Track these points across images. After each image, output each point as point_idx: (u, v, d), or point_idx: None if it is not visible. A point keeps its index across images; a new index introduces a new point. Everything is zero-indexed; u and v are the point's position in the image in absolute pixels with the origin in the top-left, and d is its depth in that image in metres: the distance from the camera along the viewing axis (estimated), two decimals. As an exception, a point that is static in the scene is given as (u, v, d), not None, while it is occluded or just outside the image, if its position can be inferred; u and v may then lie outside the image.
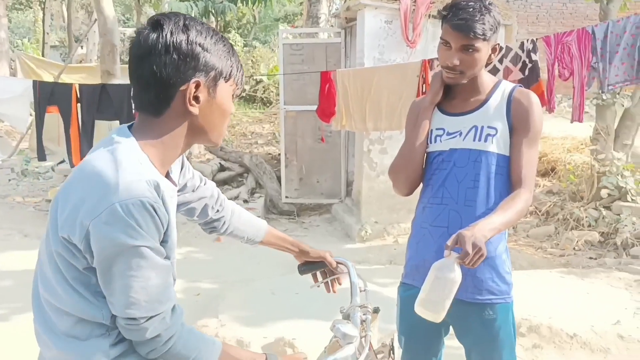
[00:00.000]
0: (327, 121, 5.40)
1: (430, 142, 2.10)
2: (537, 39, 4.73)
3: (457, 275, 1.69)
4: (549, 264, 5.63)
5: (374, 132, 5.91)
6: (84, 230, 1.15)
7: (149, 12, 23.32)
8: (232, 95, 1.33)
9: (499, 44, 2.04)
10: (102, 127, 8.36)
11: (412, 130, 2.13)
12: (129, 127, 1.30)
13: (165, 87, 1.23)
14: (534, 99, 2.03)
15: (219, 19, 9.43)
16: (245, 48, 17.78)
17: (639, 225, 5.92)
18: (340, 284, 1.93)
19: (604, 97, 6.42)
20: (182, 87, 1.23)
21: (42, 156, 5.84)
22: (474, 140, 2.02)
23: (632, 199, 6.26)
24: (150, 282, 1.18)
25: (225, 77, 1.29)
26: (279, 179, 7.48)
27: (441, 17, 2.01)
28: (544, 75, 4.81)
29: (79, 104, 5.56)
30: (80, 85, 5.69)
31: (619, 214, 6.11)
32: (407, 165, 2.12)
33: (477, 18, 1.91)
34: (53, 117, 5.77)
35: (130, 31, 20.62)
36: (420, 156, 2.10)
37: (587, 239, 6.00)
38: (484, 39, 1.93)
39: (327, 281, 1.91)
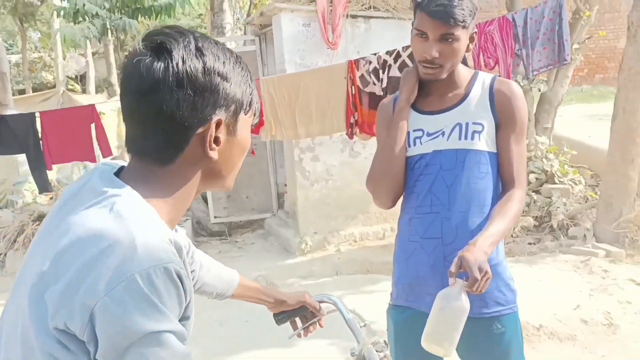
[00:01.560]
0: (255, 132, 5.11)
1: (409, 146, 1.88)
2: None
3: (465, 303, 1.53)
4: (492, 254, 5.62)
5: (304, 140, 5.69)
6: (87, 313, 0.84)
7: (34, 36, 21.95)
8: (251, 126, 1.09)
9: (475, 32, 1.86)
10: (9, 162, 7.67)
11: (388, 134, 1.90)
12: (117, 173, 0.99)
13: (178, 130, 0.95)
14: (517, 89, 1.87)
15: (119, 36, 8.91)
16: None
17: (570, 205, 6.05)
18: (322, 326, 1.70)
19: (521, 84, 6.54)
20: (200, 130, 0.97)
21: None
22: (460, 139, 1.82)
23: (559, 181, 6.40)
24: None
25: (245, 109, 1.04)
26: (204, 198, 7.08)
27: (415, 5, 1.79)
28: (470, 65, 4.78)
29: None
30: (-28, 119, 5.08)
31: (549, 197, 6.22)
32: (389, 173, 1.89)
33: (455, 3, 1.71)
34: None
35: (16, 58, 19.29)
36: (402, 162, 1.88)
37: (523, 225, 6.05)
38: (464, 27, 1.74)
39: (308, 326, 1.67)
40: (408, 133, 1.88)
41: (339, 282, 5.07)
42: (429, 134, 1.86)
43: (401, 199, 1.96)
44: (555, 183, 6.38)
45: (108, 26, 8.05)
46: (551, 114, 7.02)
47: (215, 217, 6.98)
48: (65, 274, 0.86)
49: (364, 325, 1.59)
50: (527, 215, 6.18)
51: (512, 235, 5.92)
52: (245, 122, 1.05)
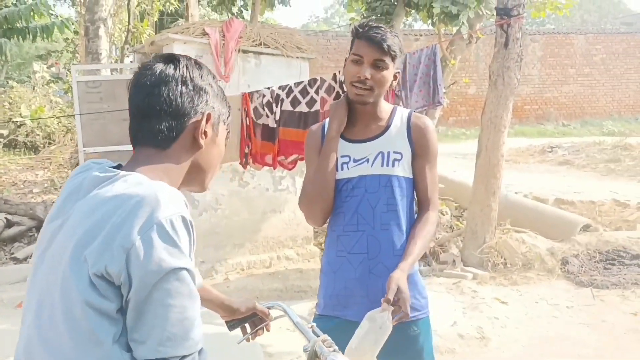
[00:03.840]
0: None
1: (337, 170, 2.10)
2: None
3: (389, 326, 1.75)
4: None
5: (193, 169, 5.72)
6: (124, 255, 1.02)
7: None
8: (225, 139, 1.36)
9: (398, 71, 2.14)
10: None
11: (320, 160, 2.11)
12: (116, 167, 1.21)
13: (178, 116, 1.22)
14: (429, 123, 2.17)
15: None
16: (-1, 89, 15.96)
17: (439, 234, 6.62)
18: (268, 330, 1.88)
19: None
20: (195, 119, 1.24)
21: None
22: (382, 165, 2.07)
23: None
24: (186, 313, 1.06)
25: (224, 120, 1.33)
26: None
27: (354, 34, 2.05)
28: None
29: None
30: None
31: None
32: (323, 194, 2.09)
33: (389, 36, 2.00)
34: None
35: None
36: (332, 184, 2.09)
37: (399, 252, 6.50)
38: (393, 58, 2.02)
39: (256, 331, 1.85)
40: (337, 159, 2.11)
41: (230, 309, 5.12)
42: (355, 160, 2.10)
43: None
44: (426, 213, 6.93)
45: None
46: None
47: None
48: (103, 231, 1.04)
49: (311, 326, 1.72)
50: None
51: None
52: (223, 131, 1.32)
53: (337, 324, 2.08)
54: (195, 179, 1.29)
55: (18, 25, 7.87)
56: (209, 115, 1.25)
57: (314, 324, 1.77)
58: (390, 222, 2.05)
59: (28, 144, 14.19)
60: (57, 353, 1.05)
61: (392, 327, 1.76)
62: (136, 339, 1.04)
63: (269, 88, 5.16)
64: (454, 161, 11.17)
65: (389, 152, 2.08)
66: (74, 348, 1.04)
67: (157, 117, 1.21)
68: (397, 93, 5.42)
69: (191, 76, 1.24)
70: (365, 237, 2.05)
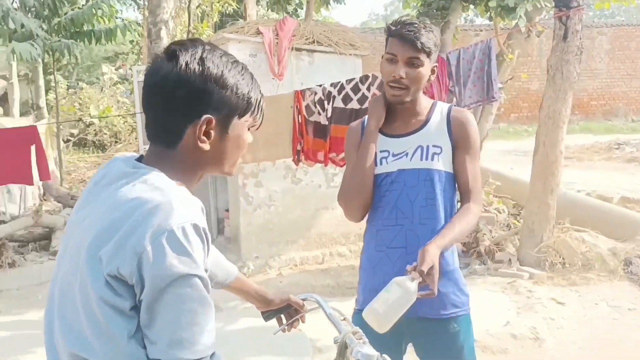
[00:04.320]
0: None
1: (377, 165, 2.10)
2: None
3: (413, 294, 1.73)
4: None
5: (248, 166, 5.84)
6: (136, 258, 1.04)
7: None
8: (249, 128, 1.28)
9: (436, 65, 2.12)
10: None
11: (359, 155, 2.12)
12: (138, 159, 1.21)
13: (175, 120, 1.18)
14: (470, 117, 2.14)
15: (58, 58, 8.77)
16: (70, 90, 16.72)
17: (495, 232, 6.48)
18: (304, 321, 1.90)
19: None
20: (193, 124, 1.18)
21: None
22: (422, 159, 2.06)
23: (485, 210, 6.84)
24: (197, 319, 1.08)
25: (239, 114, 1.23)
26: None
27: (387, 32, 2.04)
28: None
29: None
30: None
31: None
32: (361, 189, 2.10)
33: (422, 33, 1.98)
34: None
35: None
36: (371, 179, 2.10)
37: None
38: (428, 54, 2.00)
39: (292, 322, 1.88)
40: (375, 153, 2.11)
41: (282, 304, 5.19)
42: (394, 155, 2.09)
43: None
44: (482, 212, 6.81)
45: (47, 48, 7.92)
46: (477, 147, 7.51)
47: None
48: (118, 233, 1.06)
49: (344, 319, 1.74)
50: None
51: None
52: (239, 124, 1.24)
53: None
54: (212, 169, 1.27)
55: (84, 28, 8.22)
56: (208, 120, 1.17)
57: (347, 317, 1.79)
58: (429, 216, 2.04)
59: (96, 142, 14.82)
60: (80, 341, 1.09)
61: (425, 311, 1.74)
62: (149, 339, 1.07)
63: (320, 85, 5.20)
64: (514, 158, 10.91)
65: (428, 146, 2.07)
66: (94, 338, 1.08)
67: (157, 118, 1.19)
68: (451, 89, 5.35)
69: (189, 77, 1.15)
70: (404, 232, 2.05)
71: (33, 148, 5.46)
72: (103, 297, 1.06)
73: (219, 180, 6.94)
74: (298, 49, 5.95)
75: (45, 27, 8.06)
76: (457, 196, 2.12)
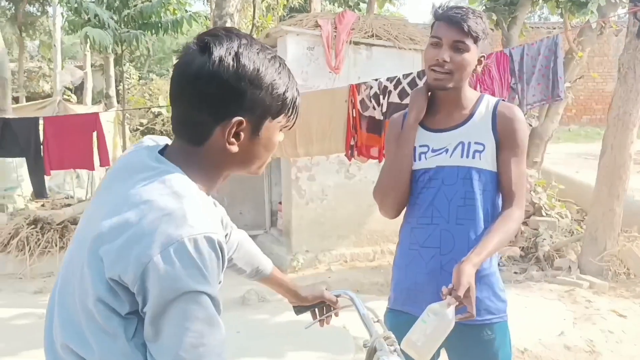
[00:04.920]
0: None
1: (415, 160, 2.00)
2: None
3: (451, 321, 1.65)
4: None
5: (301, 160, 5.82)
6: (141, 268, 0.97)
7: (30, 45, 22.05)
8: (281, 129, 1.20)
9: (484, 56, 2.00)
10: (2, 167, 7.71)
11: (397, 149, 2.03)
12: (161, 151, 1.14)
13: (204, 119, 1.09)
14: (519, 113, 2.00)
15: (127, 48, 9.06)
16: (141, 81, 17.29)
17: (556, 238, 6.21)
18: (337, 316, 1.85)
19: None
20: (222, 124, 1.09)
21: None
22: (462, 157, 1.94)
23: (546, 214, 6.57)
24: (202, 340, 0.99)
25: (273, 115, 1.14)
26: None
27: (434, 15, 1.94)
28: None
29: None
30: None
31: (535, 229, 6.38)
32: (397, 184, 2.01)
33: (470, 17, 1.87)
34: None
35: (12, 66, 19.36)
36: (408, 175, 2.00)
37: (510, 255, 6.19)
38: (475, 39, 1.88)
39: (325, 317, 1.83)
40: (414, 148, 2.01)
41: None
42: (433, 150, 1.98)
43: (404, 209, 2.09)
44: (543, 216, 6.54)
45: (116, 38, 8.20)
46: (541, 148, 7.23)
47: (208, 231, 7.04)
48: (123, 235, 0.99)
49: (377, 321, 1.68)
50: (514, 245, 6.32)
51: (498, 264, 6.05)
52: (271, 126, 1.15)
53: (406, 320, 1.98)
54: (238, 170, 1.19)
55: (152, 19, 8.44)
56: (240, 121, 1.09)
57: (380, 319, 1.72)
58: (467, 217, 1.92)
59: (164, 132, 15.23)
60: (78, 335, 1.05)
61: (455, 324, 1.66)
62: (151, 354, 1.01)
63: (376, 80, 5.11)
64: (582, 162, 10.42)
65: (469, 143, 1.95)
66: (90, 333, 1.03)
67: (185, 113, 1.11)
68: (512, 86, 5.14)
69: (222, 75, 1.06)
70: (438, 231, 1.94)
71: (95, 135, 5.65)
72: (101, 297, 1.00)
73: (274, 173, 6.97)
74: (356, 43, 5.88)
75: (115, 18, 8.33)
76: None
